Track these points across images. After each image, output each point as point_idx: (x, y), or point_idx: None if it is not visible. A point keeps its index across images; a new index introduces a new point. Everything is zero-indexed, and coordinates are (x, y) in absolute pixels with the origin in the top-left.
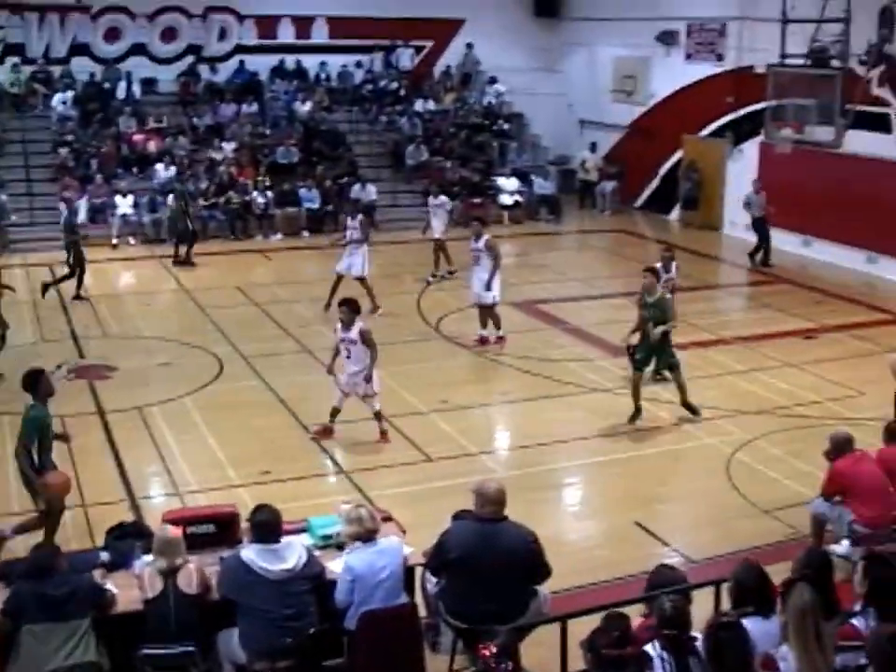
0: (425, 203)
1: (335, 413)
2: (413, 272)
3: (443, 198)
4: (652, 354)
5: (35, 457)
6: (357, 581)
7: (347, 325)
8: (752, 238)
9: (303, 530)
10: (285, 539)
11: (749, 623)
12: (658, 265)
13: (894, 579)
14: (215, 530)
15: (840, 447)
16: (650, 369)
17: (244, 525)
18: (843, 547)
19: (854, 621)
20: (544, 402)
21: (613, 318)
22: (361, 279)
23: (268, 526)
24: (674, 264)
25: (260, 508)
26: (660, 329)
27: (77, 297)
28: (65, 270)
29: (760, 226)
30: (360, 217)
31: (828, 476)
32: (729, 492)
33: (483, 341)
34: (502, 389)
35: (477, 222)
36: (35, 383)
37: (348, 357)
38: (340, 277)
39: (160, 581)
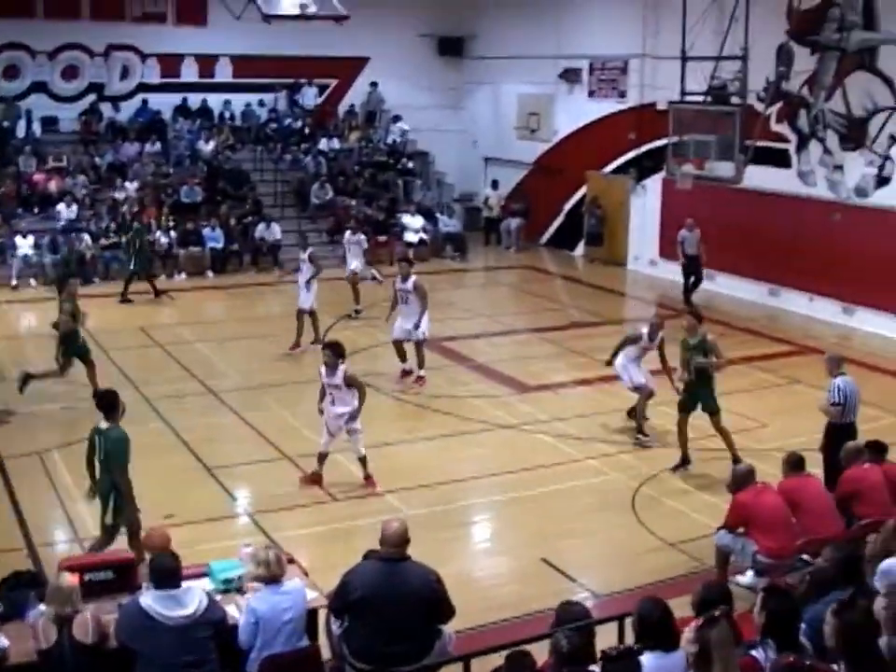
0: (331, 241)
1: (322, 458)
2: (319, 310)
3: (361, 235)
4: (694, 395)
5: None
6: (261, 624)
7: (331, 368)
8: (657, 272)
9: (204, 575)
10: (185, 585)
11: (649, 657)
12: (644, 330)
13: (791, 610)
14: (113, 576)
15: (741, 479)
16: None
17: (143, 570)
18: (747, 578)
19: (753, 652)
20: (451, 440)
21: (519, 355)
22: (300, 311)
23: (167, 572)
24: (661, 333)
25: (160, 553)
26: (698, 361)
27: None
28: None
29: (692, 264)
30: (310, 251)
31: (731, 508)
32: (635, 526)
33: (406, 373)
34: (408, 427)
35: (405, 262)
36: (115, 404)
37: (332, 404)
38: (300, 312)
39: (54, 630)
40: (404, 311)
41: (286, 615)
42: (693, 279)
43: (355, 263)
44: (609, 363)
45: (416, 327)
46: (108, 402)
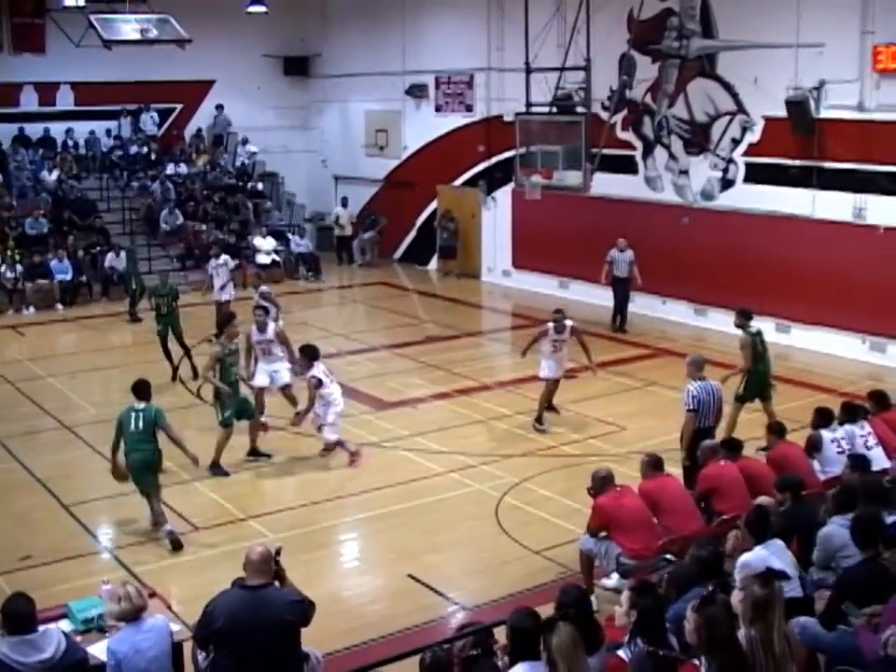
0: (183, 267)
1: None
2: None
3: (225, 257)
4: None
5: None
6: (123, 665)
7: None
8: (511, 283)
9: (63, 616)
10: (42, 628)
11: (522, 667)
12: (550, 325)
13: (660, 606)
14: None
15: (601, 483)
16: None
17: None
18: (612, 580)
19: (620, 652)
20: (311, 461)
21: (377, 372)
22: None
23: (19, 616)
24: (568, 324)
25: (12, 597)
26: None
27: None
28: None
29: (620, 287)
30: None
31: (592, 512)
32: (500, 536)
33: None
34: (269, 450)
35: (261, 310)
36: (148, 389)
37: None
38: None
39: None
40: (267, 361)
41: (149, 653)
42: (615, 304)
43: (226, 293)
44: (524, 355)
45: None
46: (144, 388)
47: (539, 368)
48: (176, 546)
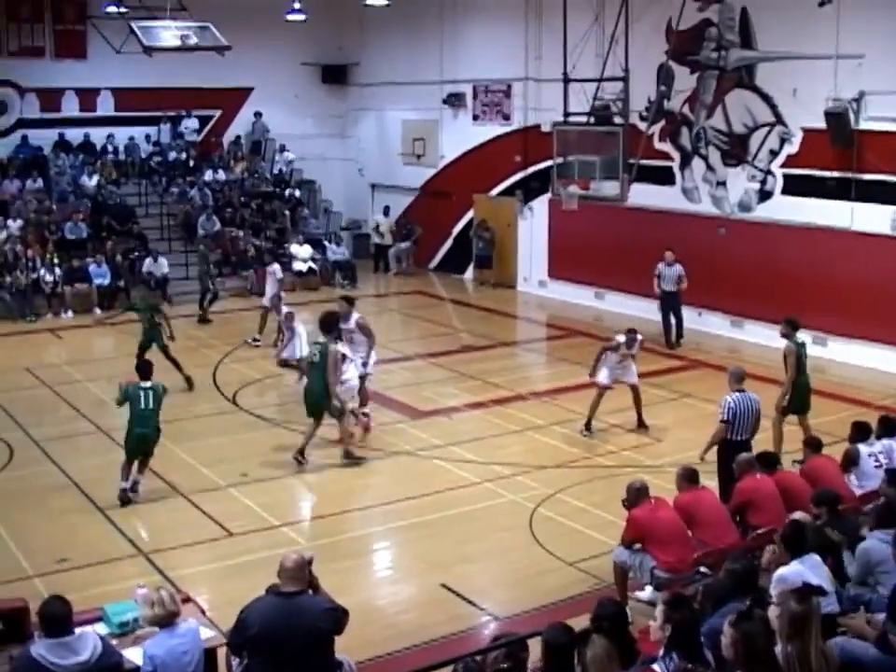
0: (219, 273)
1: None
2: (207, 345)
3: (276, 265)
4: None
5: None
6: (159, 670)
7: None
8: (546, 293)
9: (99, 619)
10: (78, 631)
11: None
12: (621, 339)
13: (694, 620)
14: (2, 627)
15: (636, 495)
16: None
17: (35, 618)
18: (646, 593)
19: (655, 666)
20: (344, 469)
21: (412, 380)
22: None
23: (57, 618)
24: (639, 339)
25: (49, 600)
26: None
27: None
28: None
29: (669, 301)
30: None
31: (626, 524)
32: (533, 547)
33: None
34: (304, 458)
35: (345, 301)
36: (152, 368)
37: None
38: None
39: None
40: (350, 349)
41: (185, 658)
42: (674, 319)
43: (268, 298)
44: (592, 375)
45: (364, 364)
46: (149, 368)
47: (600, 376)
48: (124, 503)
